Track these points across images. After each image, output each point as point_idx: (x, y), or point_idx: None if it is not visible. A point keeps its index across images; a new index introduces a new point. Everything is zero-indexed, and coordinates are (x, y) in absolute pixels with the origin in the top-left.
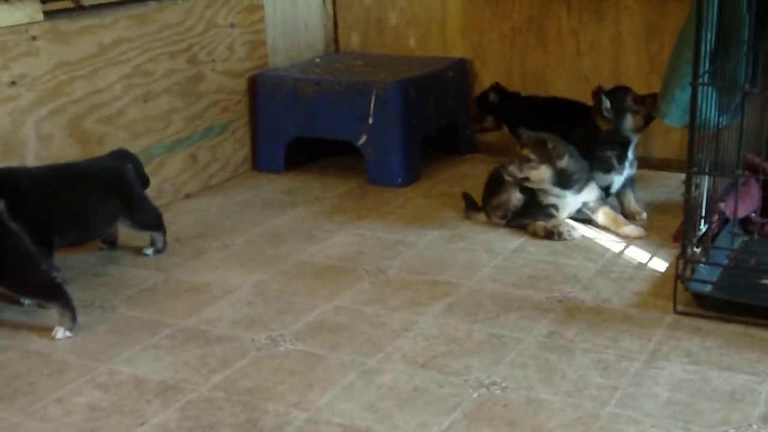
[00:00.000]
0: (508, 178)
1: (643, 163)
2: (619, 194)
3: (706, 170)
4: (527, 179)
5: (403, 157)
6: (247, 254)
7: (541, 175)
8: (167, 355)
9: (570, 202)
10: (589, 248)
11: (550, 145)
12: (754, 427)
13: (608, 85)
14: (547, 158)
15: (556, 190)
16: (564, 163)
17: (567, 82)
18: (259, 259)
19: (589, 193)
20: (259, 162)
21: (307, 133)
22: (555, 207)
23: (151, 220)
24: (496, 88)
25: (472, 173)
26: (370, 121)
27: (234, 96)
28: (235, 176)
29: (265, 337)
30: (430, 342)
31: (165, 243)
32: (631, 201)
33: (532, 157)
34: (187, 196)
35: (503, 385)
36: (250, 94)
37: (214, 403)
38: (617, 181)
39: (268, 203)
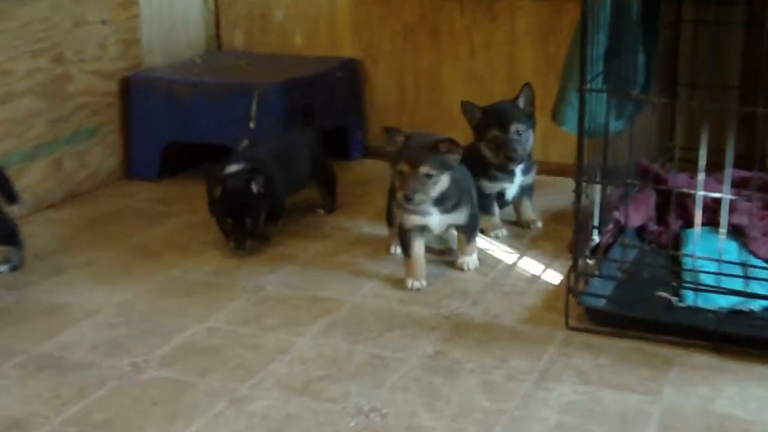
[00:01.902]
0: (412, 208)
1: (541, 168)
2: (516, 202)
3: (597, 179)
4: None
5: None
6: (114, 271)
7: (444, 183)
8: (16, 386)
9: (435, 223)
10: (482, 260)
11: (444, 148)
12: None
13: (504, 86)
14: (446, 162)
15: (425, 207)
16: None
17: (462, 83)
18: (127, 275)
19: (458, 216)
20: (132, 169)
21: (184, 137)
22: (419, 229)
23: (5, 234)
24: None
25: (362, 179)
26: (252, 125)
27: (105, 98)
28: (106, 184)
29: (127, 363)
30: (307, 365)
31: (21, 259)
32: (528, 209)
33: (433, 171)
34: (50, 206)
35: (383, 411)
36: (122, 97)
37: None
38: (510, 188)
39: (141, 213)
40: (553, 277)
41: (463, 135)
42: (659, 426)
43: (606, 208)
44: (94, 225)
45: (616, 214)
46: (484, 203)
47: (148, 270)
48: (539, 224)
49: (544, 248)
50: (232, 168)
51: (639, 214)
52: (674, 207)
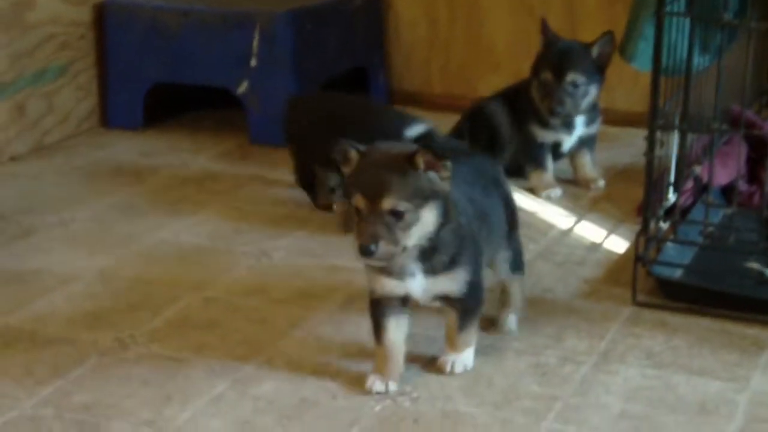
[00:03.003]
0: (375, 264)
1: (605, 116)
2: (573, 156)
3: (676, 124)
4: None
5: None
6: (92, 233)
7: (426, 222)
8: None
9: (417, 289)
10: (529, 224)
11: (421, 163)
12: None
13: (559, 20)
14: (428, 189)
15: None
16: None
17: (507, 14)
18: (108, 239)
19: (451, 281)
20: (111, 115)
21: (172, 78)
22: (396, 301)
23: None
24: None
25: None
26: (253, 63)
27: (75, 29)
28: (79, 133)
29: (111, 338)
30: (324, 343)
31: None
32: (588, 165)
33: (404, 205)
34: (13, 158)
35: (414, 395)
36: (96, 27)
37: (41, 423)
38: (567, 140)
39: (121, 168)
40: (618, 244)
41: (510, 79)
42: (746, 417)
43: (685, 162)
44: (65, 181)
45: (698, 170)
46: (536, 155)
47: (131, 232)
48: (601, 183)
49: (607, 211)
50: None
51: (726, 170)
52: None
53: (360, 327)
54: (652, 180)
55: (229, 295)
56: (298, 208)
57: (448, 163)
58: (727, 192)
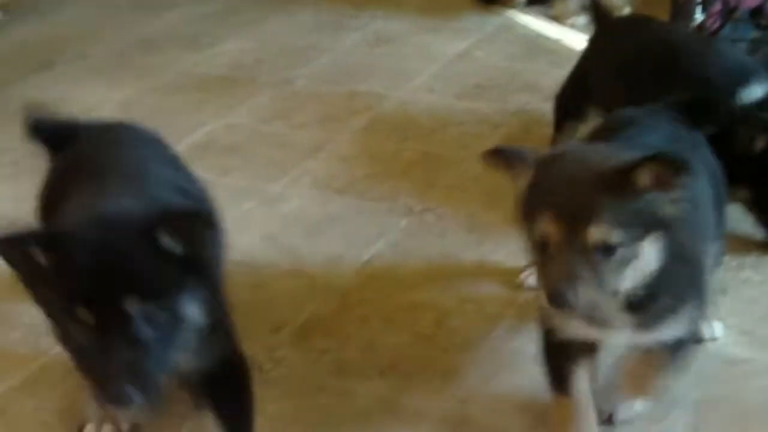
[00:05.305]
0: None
1: None
2: None
3: None
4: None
5: None
6: (111, 65)
7: (646, 260)
8: (8, 185)
9: (621, 340)
10: (553, 50)
11: (644, 180)
12: None
13: None
14: (652, 215)
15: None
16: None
17: None
18: (127, 70)
19: (674, 327)
20: None
21: None
22: (586, 348)
23: None
24: None
25: None
26: None
27: None
28: None
29: None
30: (348, 163)
31: None
32: None
33: (617, 236)
34: None
35: (438, 211)
36: None
37: None
38: None
39: (140, 3)
40: None
41: None
42: None
43: None
44: (84, 15)
45: None
46: None
47: (151, 64)
48: (626, 10)
49: None
50: None
51: None
52: None
53: (383, 148)
54: (677, 2)
55: (252, 122)
56: (321, 36)
57: (684, 179)
58: (755, 16)
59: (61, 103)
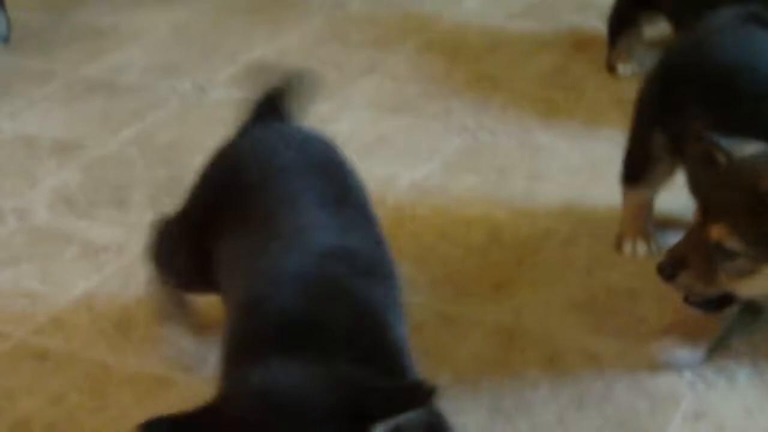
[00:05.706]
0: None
1: None
2: None
3: None
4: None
5: None
6: None
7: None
8: (62, 109)
9: None
10: None
11: None
12: None
13: None
14: None
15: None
16: None
17: None
18: None
19: None
20: None
21: None
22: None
23: None
24: None
25: None
26: None
27: None
28: None
29: (189, 84)
30: (401, 83)
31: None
32: None
33: (737, 246)
34: None
35: (492, 129)
36: None
37: (125, 161)
38: None
39: None
40: None
41: None
42: None
43: None
44: None
45: None
46: None
47: None
48: None
49: None
50: None
51: None
52: None
53: (436, 69)
54: None
55: (304, 44)
56: None
57: None
58: None
59: (113, 29)
